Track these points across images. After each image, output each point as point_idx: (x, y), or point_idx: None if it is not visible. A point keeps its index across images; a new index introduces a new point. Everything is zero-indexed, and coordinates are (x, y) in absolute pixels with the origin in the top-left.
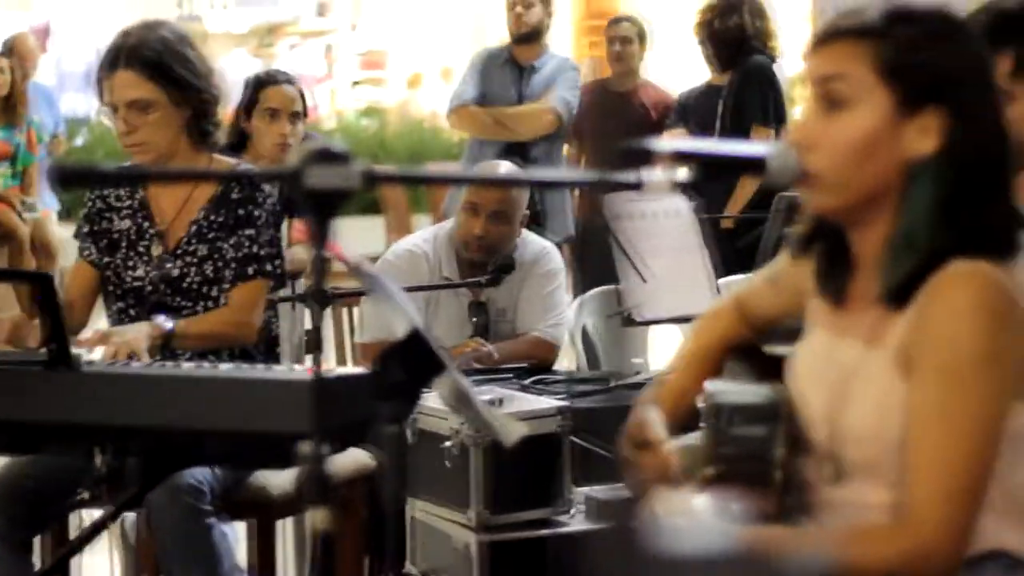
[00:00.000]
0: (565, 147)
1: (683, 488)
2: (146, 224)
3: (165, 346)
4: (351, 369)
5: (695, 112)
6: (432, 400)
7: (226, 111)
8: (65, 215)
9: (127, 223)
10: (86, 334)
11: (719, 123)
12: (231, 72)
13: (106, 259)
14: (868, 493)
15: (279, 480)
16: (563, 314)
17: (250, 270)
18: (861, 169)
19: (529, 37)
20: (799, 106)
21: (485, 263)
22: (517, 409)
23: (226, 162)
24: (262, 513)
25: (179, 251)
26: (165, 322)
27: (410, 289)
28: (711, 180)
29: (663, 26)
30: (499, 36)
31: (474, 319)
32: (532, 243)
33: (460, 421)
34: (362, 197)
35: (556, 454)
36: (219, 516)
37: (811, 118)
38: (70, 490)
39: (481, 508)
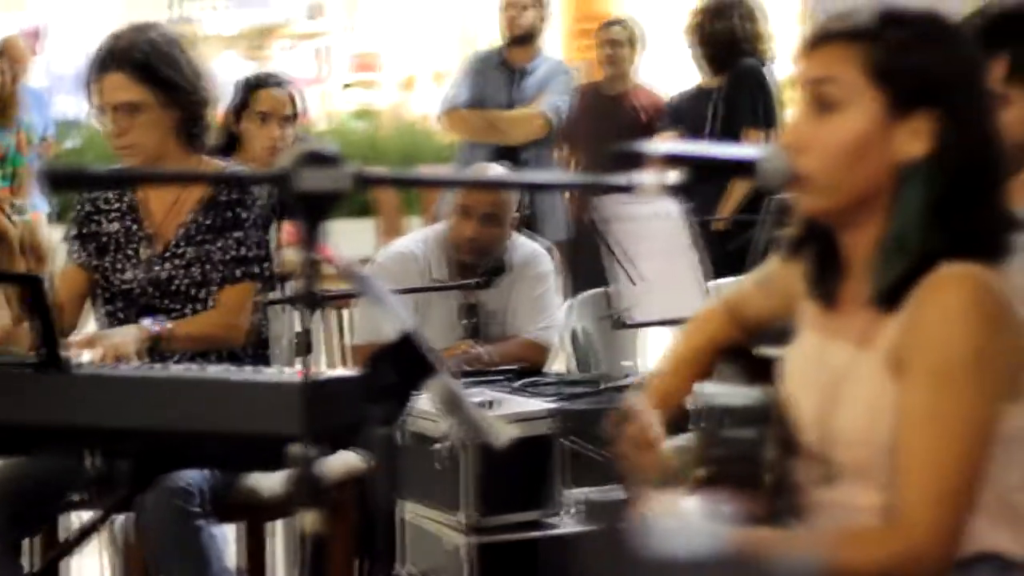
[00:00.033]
0: (556, 150)
1: (676, 489)
2: (136, 227)
3: (153, 349)
4: (342, 371)
5: (687, 115)
6: (423, 402)
7: (217, 113)
8: (56, 218)
9: (117, 225)
10: (75, 338)
11: (710, 126)
12: (223, 74)
13: (96, 262)
14: (859, 495)
15: (270, 482)
16: (554, 316)
17: (239, 272)
18: (852, 171)
19: (523, 40)
20: (790, 109)
21: (476, 265)
22: (508, 411)
23: (216, 165)
24: (253, 515)
25: (168, 253)
26: (153, 325)
27: (401, 291)
28: (702, 183)
29: (654, 29)
30: (491, 39)
31: (465, 321)
32: (523, 245)
33: (452, 423)
34: (353, 199)
35: (547, 456)
36: (209, 518)
37: (802, 121)
38: (60, 492)
39: (472, 510)
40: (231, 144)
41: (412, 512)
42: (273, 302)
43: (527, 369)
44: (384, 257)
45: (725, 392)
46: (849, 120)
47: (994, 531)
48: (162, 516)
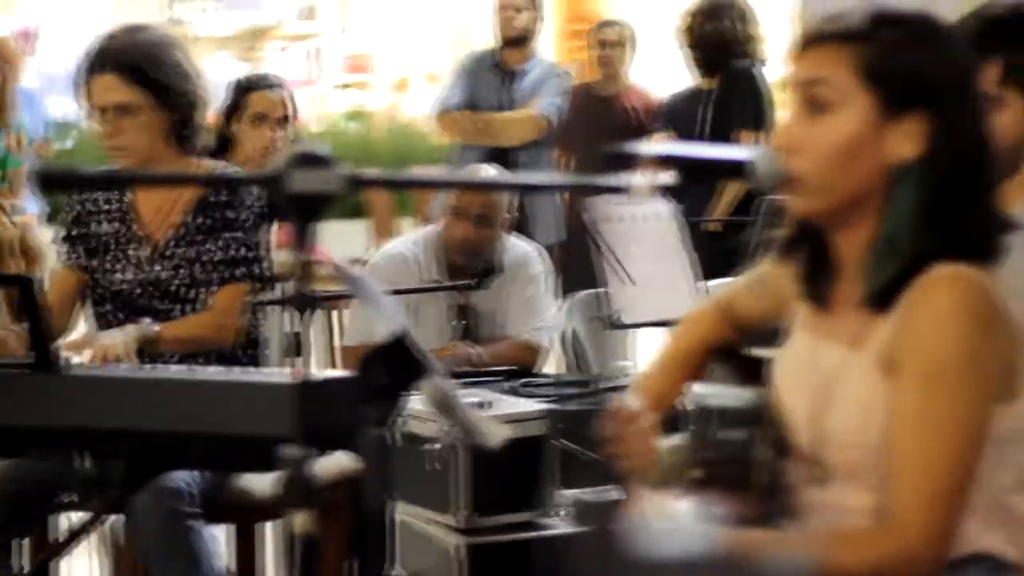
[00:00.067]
0: (550, 153)
1: (671, 488)
2: (128, 228)
3: (144, 351)
4: (336, 372)
5: (680, 116)
6: (417, 403)
7: (210, 114)
8: (50, 219)
9: (111, 227)
10: (65, 341)
11: (703, 127)
12: (217, 76)
13: (88, 263)
14: (850, 496)
15: (262, 483)
16: (546, 317)
17: (231, 273)
18: (844, 173)
19: (518, 41)
20: (783, 111)
21: (469, 267)
22: (502, 412)
23: (210, 166)
24: (245, 516)
25: (161, 254)
26: (145, 327)
27: (395, 292)
28: (694, 184)
29: (648, 30)
30: (485, 41)
31: (458, 322)
32: (517, 247)
33: (445, 424)
34: (346, 201)
35: (541, 457)
36: (201, 519)
37: (794, 122)
38: (53, 493)
39: (466, 511)
40: (224, 146)
41: (404, 513)
42: (267, 302)
43: (521, 370)
44: (377, 258)
45: (717, 393)
46: (841, 121)
47: (987, 532)
48: (154, 517)
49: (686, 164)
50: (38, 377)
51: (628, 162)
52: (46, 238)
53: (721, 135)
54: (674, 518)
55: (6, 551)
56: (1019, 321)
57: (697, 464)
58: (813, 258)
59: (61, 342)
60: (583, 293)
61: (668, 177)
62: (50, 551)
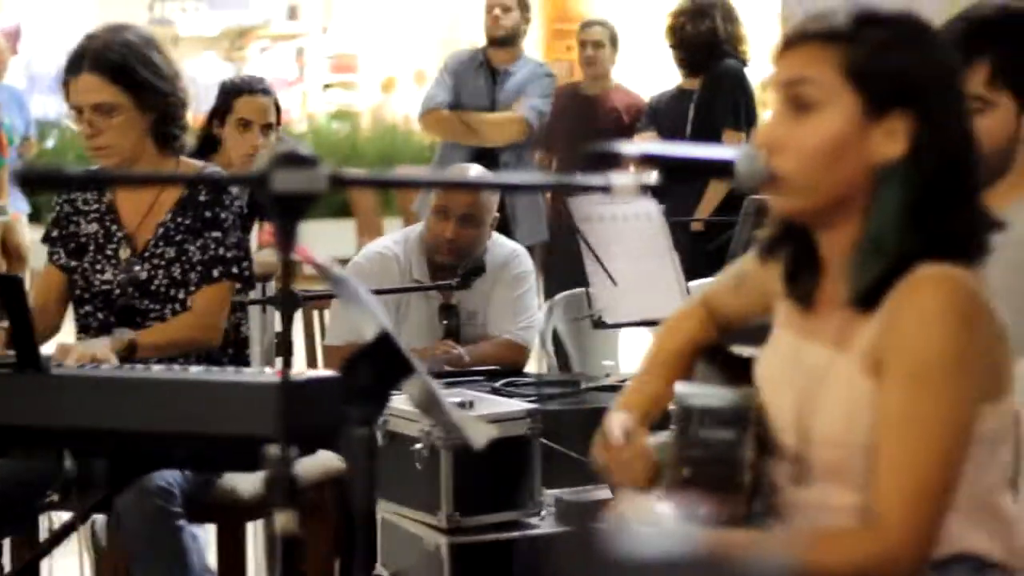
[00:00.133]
0: (535, 153)
1: (653, 489)
2: (113, 227)
3: (128, 358)
4: (320, 372)
5: (665, 116)
6: (401, 402)
7: (195, 115)
8: (32, 219)
9: (95, 226)
10: (49, 350)
11: (689, 127)
12: (202, 76)
13: (74, 263)
14: (834, 496)
15: (248, 483)
16: (533, 317)
17: (216, 272)
18: (828, 172)
19: (505, 41)
20: (769, 110)
21: (455, 266)
22: (487, 411)
23: (193, 165)
24: (231, 516)
25: (146, 254)
26: (118, 338)
27: (380, 292)
28: (680, 183)
29: (634, 29)
30: (472, 39)
31: (444, 322)
32: (502, 246)
33: (429, 423)
34: (332, 200)
35: (526, 457)
36: (186, 519)
37: (779, 121)
38: (39, 493)
39: (451, 510)
40: (210, 147)
41: (390, 512)
42: (251, 302)
43: (506, 369)
44: (362, 257)
45: (703, 393)
46: (826, 121)
47: (971, 532)
48: (141, 516)
49: (670, 164)
50: (24, 376)
51: (613, 161)
52: (34, 237)
53: (707, 135)
54: (656, 519)
55: None
56: (1004, 320)
57: (683, 463)
58: (797, 257)
59: (42, 350)
60: (566, 293)
61: (652, 177)
62: (37, 551)
